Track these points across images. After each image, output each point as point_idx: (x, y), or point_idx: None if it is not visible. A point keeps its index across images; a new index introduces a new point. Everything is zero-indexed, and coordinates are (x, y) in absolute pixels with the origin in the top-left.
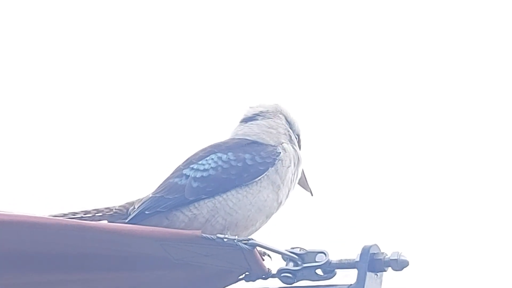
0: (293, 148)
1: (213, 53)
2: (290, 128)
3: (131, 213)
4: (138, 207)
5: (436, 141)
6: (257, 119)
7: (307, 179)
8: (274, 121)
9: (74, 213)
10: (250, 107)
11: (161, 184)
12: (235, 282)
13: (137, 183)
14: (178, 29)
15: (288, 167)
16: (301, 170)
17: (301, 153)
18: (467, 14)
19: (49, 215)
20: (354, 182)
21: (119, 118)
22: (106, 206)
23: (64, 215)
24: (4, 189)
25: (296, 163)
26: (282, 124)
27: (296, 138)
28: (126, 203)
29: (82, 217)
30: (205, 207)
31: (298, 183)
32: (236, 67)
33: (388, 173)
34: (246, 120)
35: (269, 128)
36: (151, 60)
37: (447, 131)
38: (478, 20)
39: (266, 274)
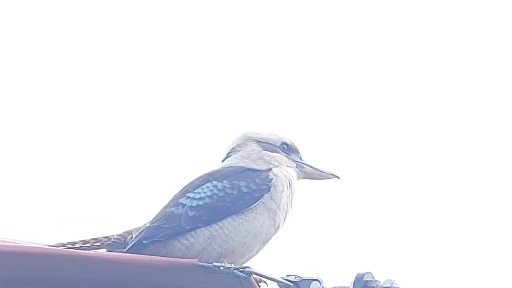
0: (284, 170)
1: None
2: (268, 148)
3: (129, 242)
4: (135, 237)
5: (429, 163)
6: (230, 156)
7: (320, 169)
8: (244, 151)
9: (73, 243)
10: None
11: (158, 213)
12: None
13: (135, 211)
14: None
15: (282, 191)
16: (296, 188)
17: (292, 172)
18: (467, 13)
19: (48, 245)
20: (346, 208)
21: (119, 141)
22: (104, 236)
23: (63, 245)
24: (5, 216)
25: (289, 185)
26: (253, 149)
27: (284, 148)
28: (124, 232)
29: (80, 246)
30: (201, 235)
31: (315, 178)
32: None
33: (383, 199)
34: (222, 161)
35: (242, 158)
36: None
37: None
38: (478, 19)
39: None
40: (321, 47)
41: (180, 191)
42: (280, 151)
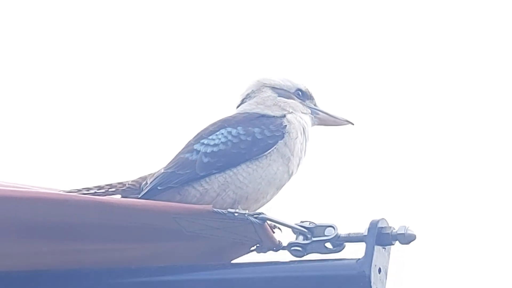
0: (298, 117)
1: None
2: (283, 95)
3: (144, 188)
4: (150, 183)
5: (443, 118)
6: (245, 102)
7: (335, 115)
8: (259, 97)
9: (88, 189)
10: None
11: (172, 159)
12: (246, 253)
13: (149, 157)
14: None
15: (296, 138)
16: (310, 134)
17: (306, 118)
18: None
19: (64, 191)
20: (362, 156)
21: (130, 95)
22: (119, 181)
23: (78, 190)
24: (20, 163)
25: (303, 131)
26: (268, 96)
27: (299, 94)
28: (139, 178)
29: (96, 192)
30: (216, 181)
31: (330, 125)
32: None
33: (397, 146)
34: (237, 107)
35: (257, 105)
36: (157, 42)
37: (452, 112)
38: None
39: (277, 247)
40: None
41: (195, 137)
42: (295, 97)
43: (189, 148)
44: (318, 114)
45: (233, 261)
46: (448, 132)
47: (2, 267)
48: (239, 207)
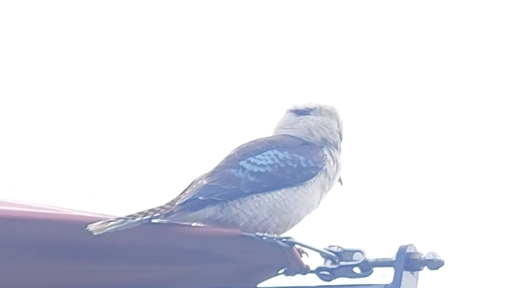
0: (336, 154)
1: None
2: (339, 131)
3: (181, 197)
4: (190, 193)
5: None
6: (310, 114)
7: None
8: (327, 120)
9: (134, 217)
10: (303, 102)
11: (215, 172)
12: (274, 276)
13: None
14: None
15: (334, 171)
16: (339, 175)
17: (340, 158)
18: None
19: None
20: (388, 182)
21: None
22: (160, 206)
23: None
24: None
25: (336, 169)
26: (335, 125)
27: (339, 133)
28: (171, 201)
29: (142, 219)
30: (265, 207)
31: None
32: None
33: (422, 173)
34: (298, 112)
35: (323, 125)
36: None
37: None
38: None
39: (304, 270)
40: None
41: (240, 152)
42: (337, 134)
43: (234, 163)
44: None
45: (259, 284)
46: (475, 157)
47: (38, 286)
48: (269, 230)
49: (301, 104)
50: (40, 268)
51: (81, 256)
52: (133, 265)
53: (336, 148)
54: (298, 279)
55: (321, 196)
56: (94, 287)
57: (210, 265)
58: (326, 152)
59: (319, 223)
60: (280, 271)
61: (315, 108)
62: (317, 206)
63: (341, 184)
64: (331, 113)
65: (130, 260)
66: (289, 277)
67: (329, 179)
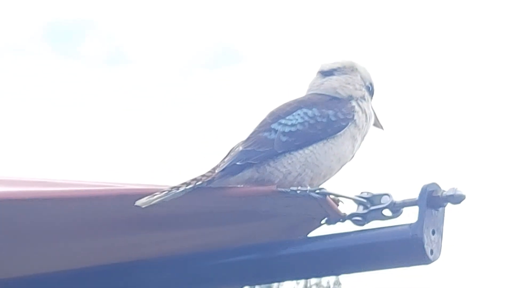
0: (365, 106)
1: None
2: (364, 83)
3: (221, 165)
4: (228, 160)
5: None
6: (334, 74)
7: (378, 119)
8: (350, 77)
9: (177, 187)
10: (328, 62)
11: (249, 138)
12: (318, 227)
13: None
14: None
15: (364, 121)
16: (371, 125)
17: (371, 108)
18: None
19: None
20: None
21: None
22: (202, 174)
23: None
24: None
25: (368, 119)
26: (358, 80)
27: (369, 89)
28: (212, 169)
29: (185, 189)
30: (297, 162)
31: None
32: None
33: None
34: (324, 73)
35: (346, 83)
36: None
37: None
38: None
39: (343, 218)
40: None
41: (271, 116)
42: (365, 89)
43: (266, 127)
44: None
45: (309, 235)
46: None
47: (100, 260)
48: (305, 184)
49: (326, 64)
50: (93, 244)
51: (131, 229)
52: (186, 231)
53: (364, 99)
54: (340, 227)
55: (354, 147)
56: (148, 258)
57: (260, 223)
58: (354, 104)
59: (349, 172)
60: (323, 222)
61: (338, 68)
62: (351, 157)
63: (382, 129)
64: (353, 69)
65: (184, 226)
66: (331, 226)
67: (359, 129)
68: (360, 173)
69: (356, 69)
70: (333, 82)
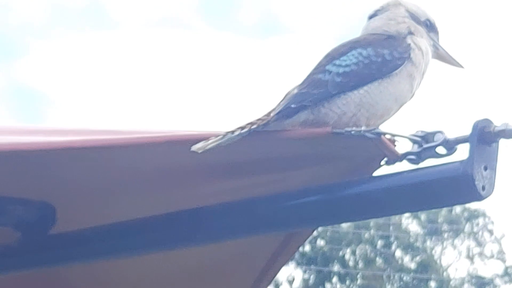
0: (420, 42)
1: None
2: (414, 19)
3: (276, 108)
4: (282, 103)
5: None
6: (377, 15)
7: (452, 56)
8: (391, 12)
9: (232, 132)
10: (375, 6)
11: (304, 81)
12: (378, 168)
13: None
14: None
15: (421, 59)
16: (430, 60)
17: (426, 45)
18: None
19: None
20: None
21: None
22: (257, 118)
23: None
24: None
25: (424, 56)
26: (401, 13)
27: (427, 25)
28: (267, 112)
29: (240, 133)
30: (352, 103)
31: (445, 61)
32: None
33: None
34: (369, 17)
35: (389, 20)
36: None
37: None
38: None
39: (401, 158)
40: None
41: (325, 58)
42: (423, 26)
43: (321, 69)
44: (438, 49)
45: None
46: None
47: (183, 206)
48: (361, 124)
49: (371, 9)
50: (192, 188)
51: (187, 179)
52: (244, 180)
53: (418, 34)
54: (398, 167)
55: (412, 85)
56: (205, 208)
57: (322, 166)
58: (409, 41)
59: (404, 112)
60: (382, 162)
61: (381, 7)
62: (411, 96)
63: (462, 67)
64: (395, 4)
65: (244, 174)
66: (391, 166)
67: (416, 67)
68: (415, 113)
69: (399, 3)
70: (376, 22)
